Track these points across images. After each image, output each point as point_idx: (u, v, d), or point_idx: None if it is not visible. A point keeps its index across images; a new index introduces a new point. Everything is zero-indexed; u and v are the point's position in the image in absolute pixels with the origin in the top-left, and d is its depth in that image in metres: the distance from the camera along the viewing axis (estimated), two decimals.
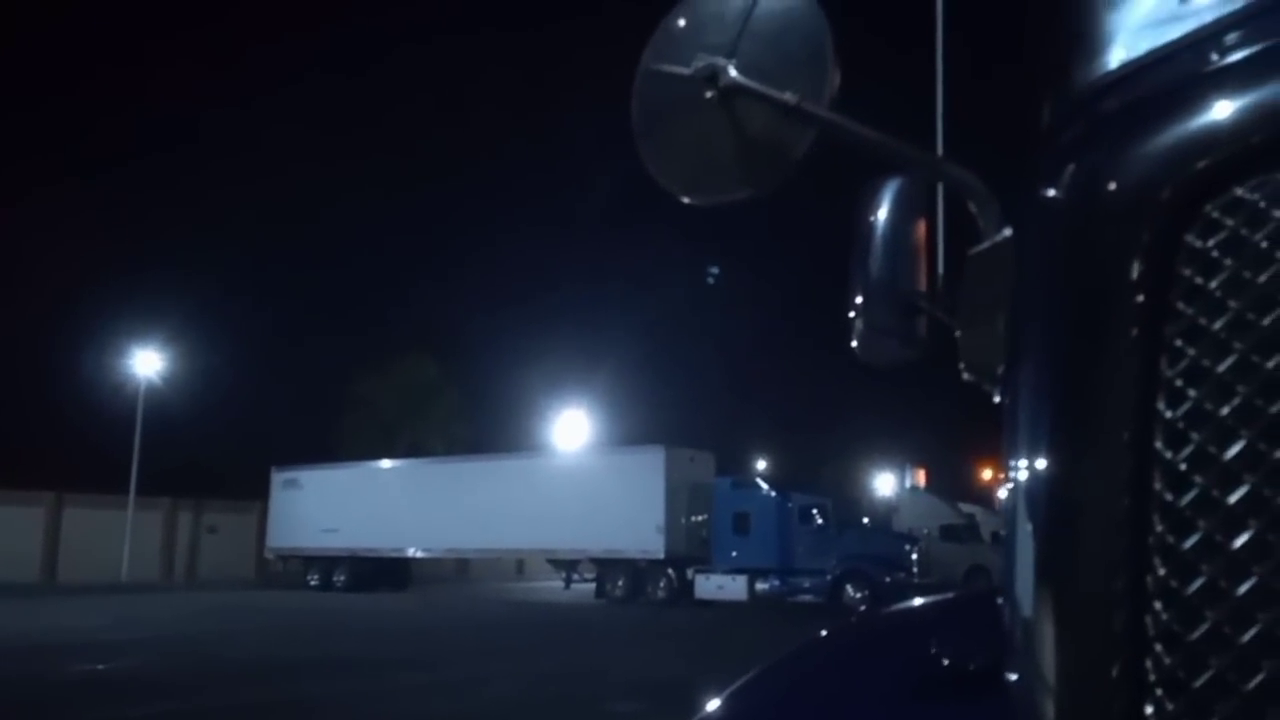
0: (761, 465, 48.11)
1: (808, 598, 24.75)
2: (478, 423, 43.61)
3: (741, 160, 1.03)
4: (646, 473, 26.92)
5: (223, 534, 38.95)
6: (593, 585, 28.82)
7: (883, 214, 1.09)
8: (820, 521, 25.53)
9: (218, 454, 39.78)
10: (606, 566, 28.03)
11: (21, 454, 34.66)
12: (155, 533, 37.07)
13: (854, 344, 1.10)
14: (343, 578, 32.41)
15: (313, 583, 33.16)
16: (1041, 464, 0.65)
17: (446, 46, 79.99)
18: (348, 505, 32.51)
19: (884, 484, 51.25)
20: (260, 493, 36.44)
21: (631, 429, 39.62)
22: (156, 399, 37.77)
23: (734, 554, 25.70)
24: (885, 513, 36.48)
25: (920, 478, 43.62)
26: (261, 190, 61.69)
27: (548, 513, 27.69)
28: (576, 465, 29.75)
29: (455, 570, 41.62)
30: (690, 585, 26.57)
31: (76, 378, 40.53)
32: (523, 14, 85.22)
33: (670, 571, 26.87)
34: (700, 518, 26.93)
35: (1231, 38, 0.63)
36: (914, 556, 24.81)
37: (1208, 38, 0.65)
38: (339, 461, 35.83)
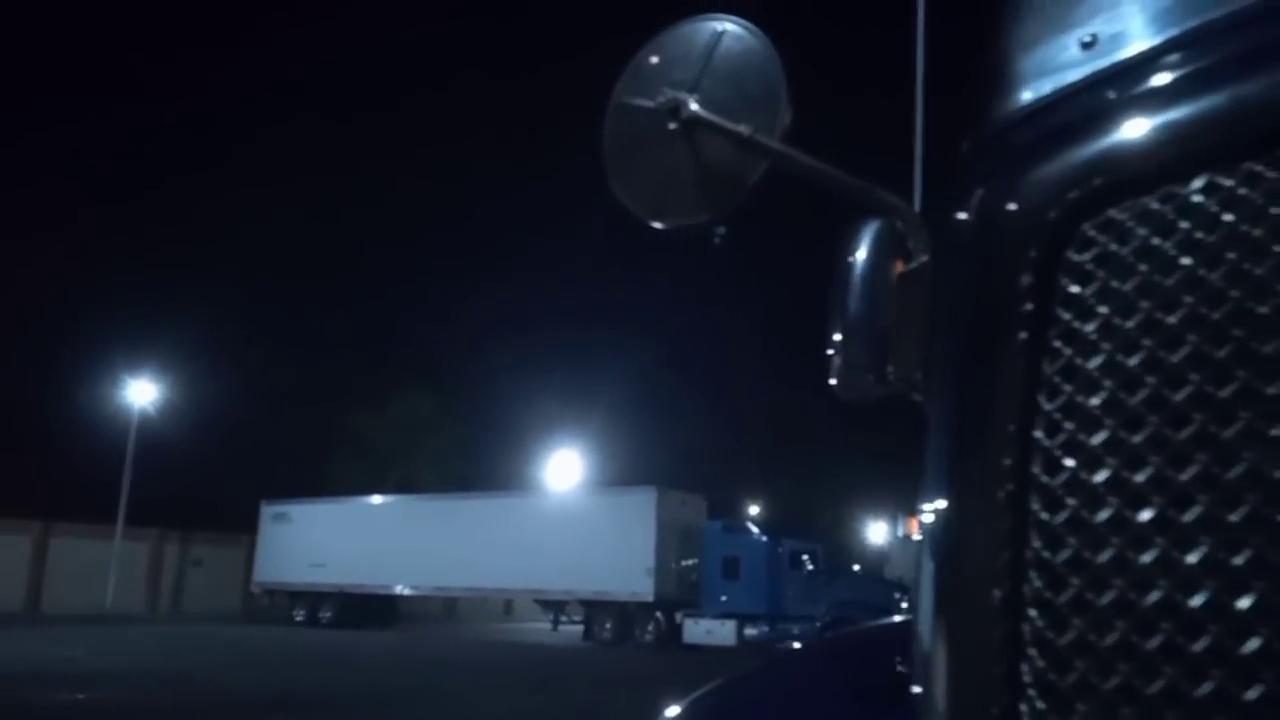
0: (753, 510, 48.01)
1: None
2: (469, 460, 43.48)
3: (701, 186, 1.12)
4: (638, 514, 26.81)
5: (209, 567, 38.63)
6: (581, 627, 28.58)
7: (861, 254, 1.17)
8: (811, 568, 25.43)
9: (207, 486, 39.57)
10: (595, 608, 27.82)
11: (9, 481, 34.48)
12: (141, 563, 36.78)
13: (832, 381, 1.16)
14: (329, 614, 32.10)
15: (298, 618, 32.83)
16: (942, 451, 0.72)
17: (445, 86, 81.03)
18: (337, 540, 32.25)
19: (876, 532, 51.14)
20: (248, 526, 36.17)
21: (624, 470, 39.51)
22: (147, 429, 37.67)
23: (723, 598, 25.56)
24: (876, 560, 36.35)
25: (912, 526, 43.41)
26: (259, 223, 62.10)
27: (537, 553, 27.50)
28: (567, 505, 29.61)
29: (443, 609, 41.23)
30: (679, 629, 26.39)
31: (67, 406, 40.47)
32: (522, 57, 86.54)
33: (659, 614, 26.68)
34: (690, 561, 26.78)
35: (1118, 83, 0.71)
36: (904, 604, 24.67)
37: (1099, 82, 0.73)
38: (329, 496, 35.61)
